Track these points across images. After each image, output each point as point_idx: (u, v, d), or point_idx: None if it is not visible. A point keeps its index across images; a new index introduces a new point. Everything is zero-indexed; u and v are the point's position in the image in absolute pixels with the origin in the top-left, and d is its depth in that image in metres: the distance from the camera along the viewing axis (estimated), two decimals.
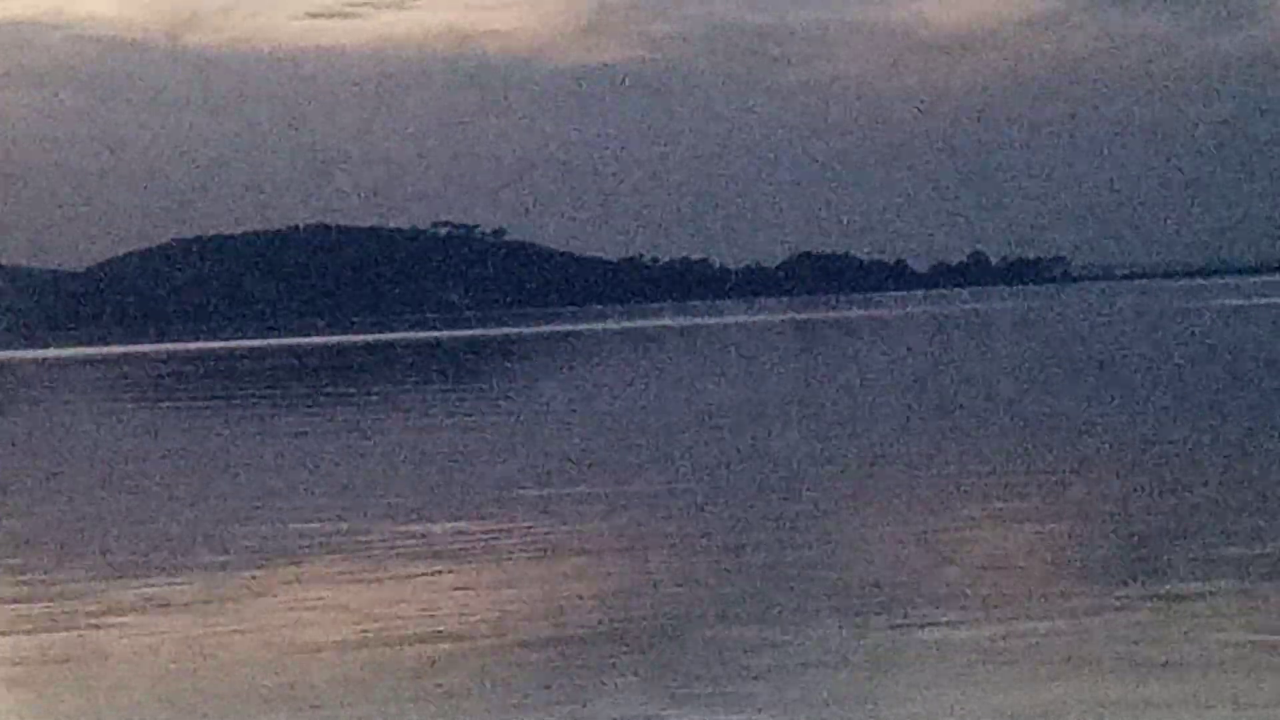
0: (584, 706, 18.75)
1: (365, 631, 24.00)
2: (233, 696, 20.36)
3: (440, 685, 20.12)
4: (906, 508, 34.63)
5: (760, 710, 18.22)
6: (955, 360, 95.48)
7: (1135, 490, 35.81)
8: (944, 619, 22.49)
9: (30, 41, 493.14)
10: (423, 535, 32.80)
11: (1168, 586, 24.67)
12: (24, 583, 29.62)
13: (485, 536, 32.75)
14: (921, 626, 22.25)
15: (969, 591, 24.70)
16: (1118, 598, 23.63)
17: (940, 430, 51.20)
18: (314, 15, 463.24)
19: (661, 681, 19.96)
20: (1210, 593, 24.00)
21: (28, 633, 25.37)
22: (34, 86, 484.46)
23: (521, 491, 39.44)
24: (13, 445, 66.35)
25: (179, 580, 28.64)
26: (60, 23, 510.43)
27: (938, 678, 19.60)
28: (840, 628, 22.46)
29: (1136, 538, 29.62)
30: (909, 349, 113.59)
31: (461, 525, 34.33)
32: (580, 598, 25.97)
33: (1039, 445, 45.63)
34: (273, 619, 25.51)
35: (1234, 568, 25.74)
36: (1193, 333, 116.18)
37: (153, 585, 28.11)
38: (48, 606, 26.99)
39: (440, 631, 23.68)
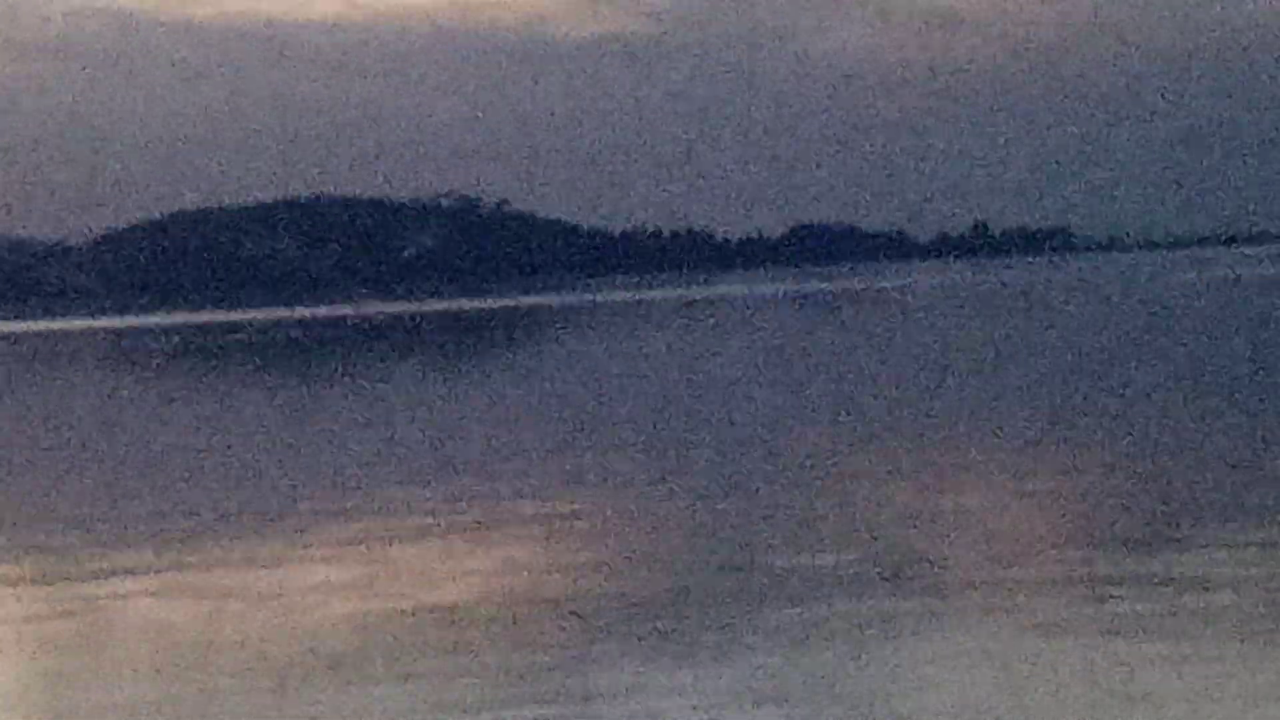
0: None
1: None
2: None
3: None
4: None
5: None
6: (954, 341, 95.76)
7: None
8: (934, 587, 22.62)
9: (31, 12, 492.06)
10: (427, 497, 33.92)
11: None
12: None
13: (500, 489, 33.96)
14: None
15: (953, 561, 24.89)
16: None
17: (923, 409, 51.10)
18: None
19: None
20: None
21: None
22: (34, 59, 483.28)
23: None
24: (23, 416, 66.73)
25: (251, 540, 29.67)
26: None
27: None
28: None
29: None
30: (913, 325, 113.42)
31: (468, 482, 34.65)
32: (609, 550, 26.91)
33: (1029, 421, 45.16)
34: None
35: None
36: (1190, 307, 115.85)
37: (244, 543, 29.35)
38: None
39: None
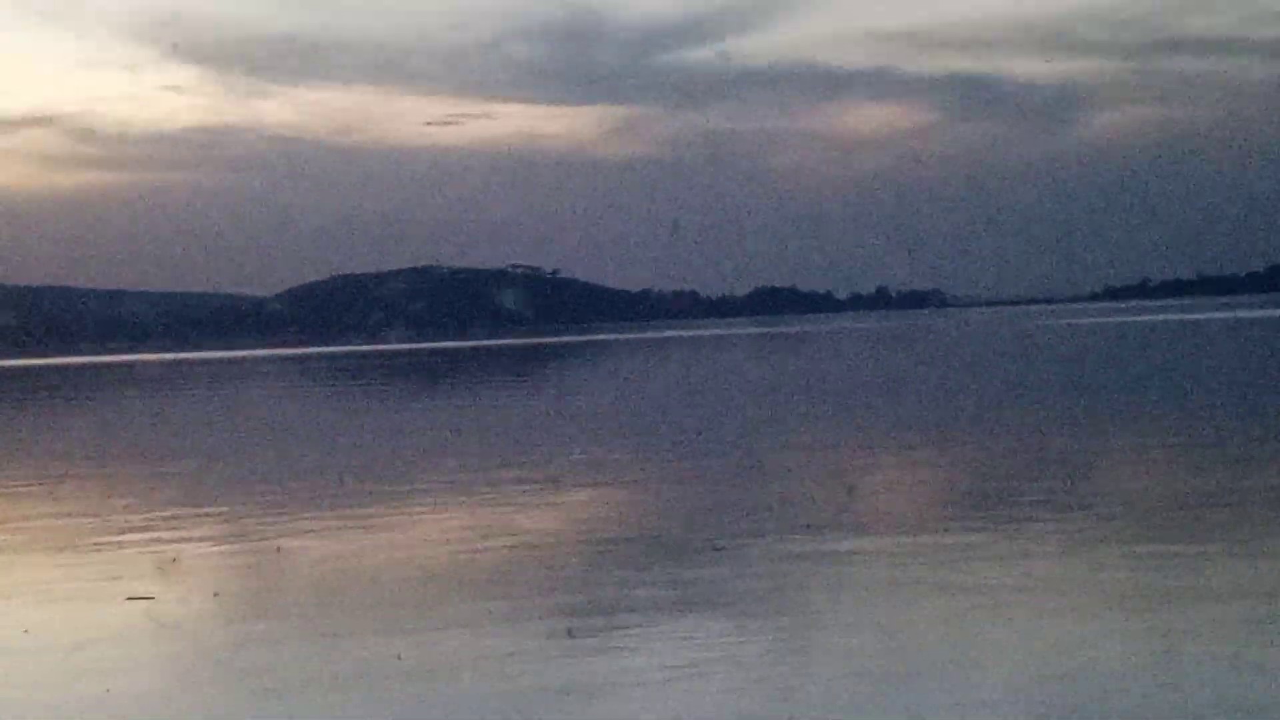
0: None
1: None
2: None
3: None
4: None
5: None
6: (855, 358, 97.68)
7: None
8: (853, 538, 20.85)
9: (233, 141, 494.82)
10: (523, 475, 31.68)
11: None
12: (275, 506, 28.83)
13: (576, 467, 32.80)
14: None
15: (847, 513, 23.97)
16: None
17: (829, 397, 51.96)
18: (429, 124, 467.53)
19: None
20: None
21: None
22: (235, 172, 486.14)
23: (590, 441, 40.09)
24: (237, 417, 65.18)
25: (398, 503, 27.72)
26: (254, 127, 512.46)
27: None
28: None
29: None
30: (829, 352, 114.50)
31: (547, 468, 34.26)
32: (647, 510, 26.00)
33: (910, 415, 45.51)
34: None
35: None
36: (1021, 344, 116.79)
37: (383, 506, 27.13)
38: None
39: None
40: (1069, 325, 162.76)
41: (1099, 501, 23.55)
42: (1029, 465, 29.41)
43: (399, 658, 14.66)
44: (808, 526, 22.23)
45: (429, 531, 23.51)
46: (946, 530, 21.34)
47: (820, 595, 17.24)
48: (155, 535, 24.28)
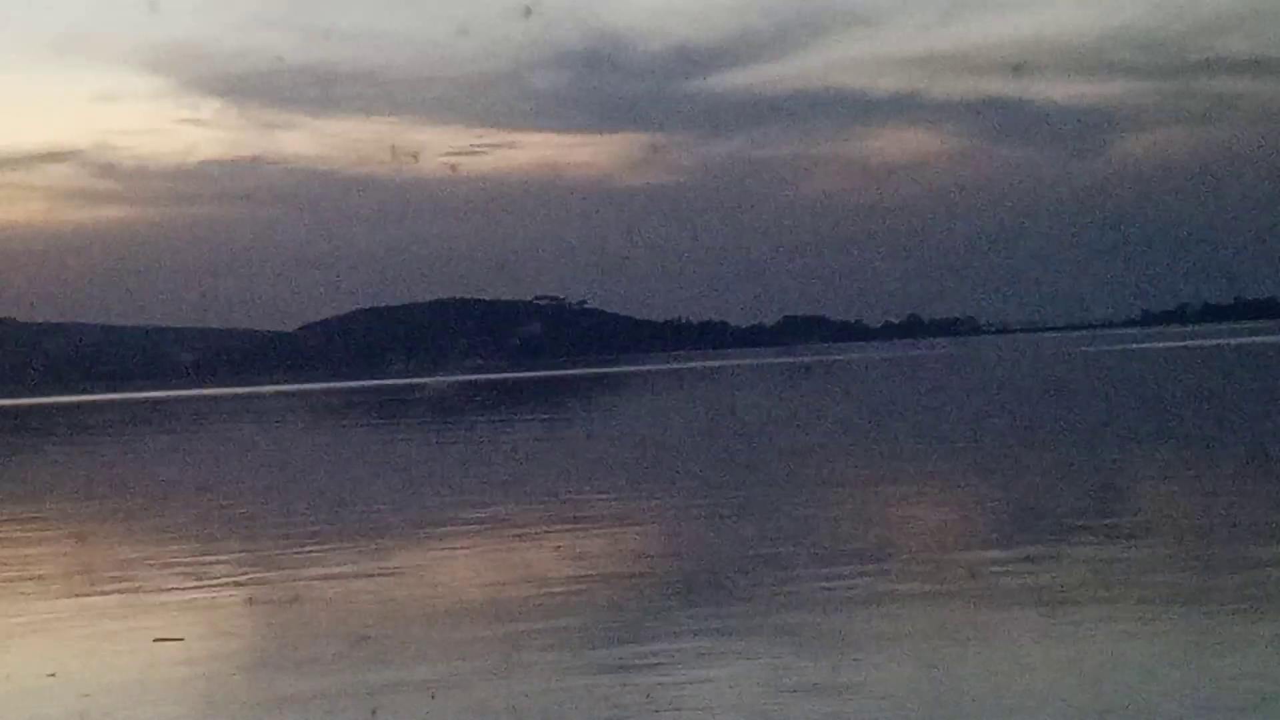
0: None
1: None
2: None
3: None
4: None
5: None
6: (889, 388, 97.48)
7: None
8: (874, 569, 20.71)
9: (256, 172, 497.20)
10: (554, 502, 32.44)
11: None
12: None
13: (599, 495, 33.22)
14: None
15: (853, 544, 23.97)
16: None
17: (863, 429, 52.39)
18: (452, 153, 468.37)
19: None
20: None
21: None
22: (255, 203, 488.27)
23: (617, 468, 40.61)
24: (252, 450, 65.25)
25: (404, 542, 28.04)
26: (277, 159, 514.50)
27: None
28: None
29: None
30: (861, 383, 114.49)
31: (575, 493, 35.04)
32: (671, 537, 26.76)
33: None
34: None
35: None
36: (1050, 370, 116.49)
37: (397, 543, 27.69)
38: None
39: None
40: (1119, 351, 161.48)
41: None
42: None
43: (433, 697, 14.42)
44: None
45: (484, 573, 23.03)
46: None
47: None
48: (186, 574, 24.18)
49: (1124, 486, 30.66)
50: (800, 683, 14.21)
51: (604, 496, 33.54)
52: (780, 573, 21.03)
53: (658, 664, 15.35)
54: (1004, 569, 20.48)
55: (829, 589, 19.52)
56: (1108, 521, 24.73)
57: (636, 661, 15.56)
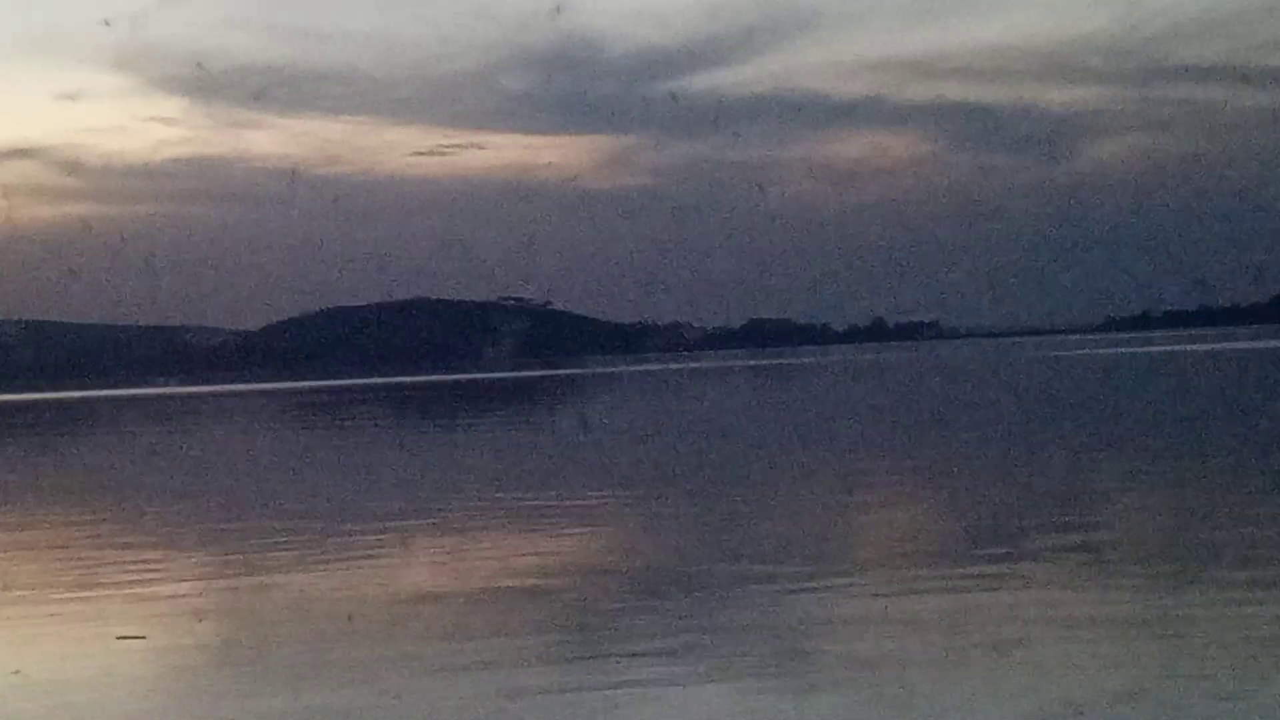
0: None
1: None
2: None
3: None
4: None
5: None
6: (849, 389, 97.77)
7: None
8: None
9: (220, 170, 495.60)
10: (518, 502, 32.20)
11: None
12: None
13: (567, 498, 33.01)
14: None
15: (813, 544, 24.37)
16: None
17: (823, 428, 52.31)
18: (417, 154, 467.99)
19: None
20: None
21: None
22: (221, 201, 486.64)
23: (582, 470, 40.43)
24: (214, 451, 64.96)
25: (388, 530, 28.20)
26: (242, 158, 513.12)
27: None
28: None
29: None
30: (824, 385, 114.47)
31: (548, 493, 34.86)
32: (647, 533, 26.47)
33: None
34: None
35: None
36: (1008, 374, 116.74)
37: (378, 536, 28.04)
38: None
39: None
40: (1084, 355, 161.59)
41: None
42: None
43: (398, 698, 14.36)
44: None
45: (464, 571, 22.90)
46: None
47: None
48: (149, 572, 24.22)
49: (1078, 494, 30.52)
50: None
51: (540, 499, 33.16)
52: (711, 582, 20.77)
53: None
54: (942, 579, 20.40)
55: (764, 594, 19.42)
56: (1051, 536, 24.16)
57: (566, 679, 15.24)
